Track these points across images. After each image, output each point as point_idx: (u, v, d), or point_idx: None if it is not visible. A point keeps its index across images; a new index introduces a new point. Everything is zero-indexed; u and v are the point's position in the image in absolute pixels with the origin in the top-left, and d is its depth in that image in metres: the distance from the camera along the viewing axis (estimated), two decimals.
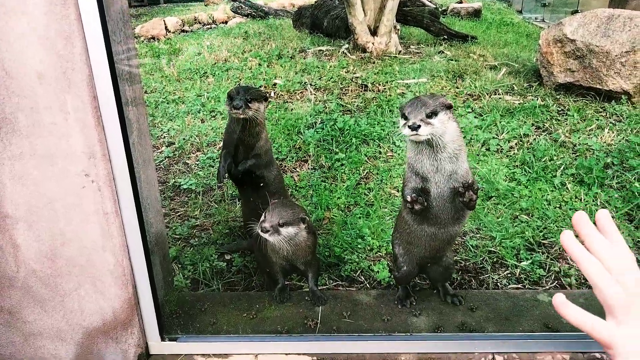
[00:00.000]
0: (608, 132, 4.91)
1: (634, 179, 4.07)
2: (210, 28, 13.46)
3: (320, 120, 5.34)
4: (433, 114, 2.08)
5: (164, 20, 12.98)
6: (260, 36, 9.73)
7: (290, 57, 7.91)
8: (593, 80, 5.80)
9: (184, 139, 5.16)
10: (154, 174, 2.47)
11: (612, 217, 3.67)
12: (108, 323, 2.29)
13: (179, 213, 4.06)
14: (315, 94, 6.28)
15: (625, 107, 5.49)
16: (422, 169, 2.23)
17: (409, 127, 2.05)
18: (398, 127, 2.22)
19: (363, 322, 2.56)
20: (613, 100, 5.67)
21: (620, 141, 4.74)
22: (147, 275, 2.24)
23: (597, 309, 1.06)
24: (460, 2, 13.49)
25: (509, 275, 3.21)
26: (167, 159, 4.88)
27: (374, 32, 8.19)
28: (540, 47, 6.34)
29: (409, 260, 2.61)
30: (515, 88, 6.28)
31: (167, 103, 6.23)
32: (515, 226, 3.60)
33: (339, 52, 8.11)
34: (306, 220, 2.58)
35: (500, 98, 5.92)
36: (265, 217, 2.50)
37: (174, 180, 4.48)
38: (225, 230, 3.79)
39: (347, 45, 8.35)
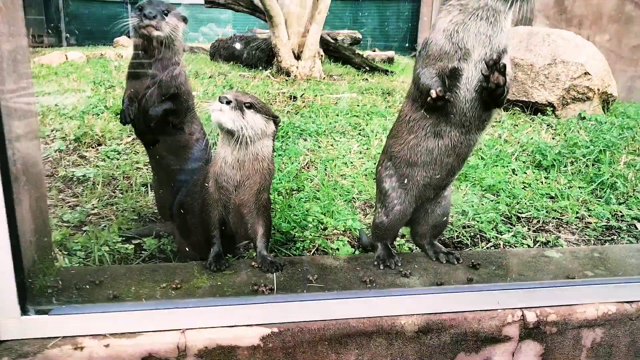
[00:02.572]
0: (545, 134, 4.85)
1: (584, 166, 3.92)
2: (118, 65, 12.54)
3: None
4: None
5: (65, 55, 11.85)
6: None
7: (209, 77, 7.32)
8: (520, 94, 5.87)
9: (83, 132, 4.23)
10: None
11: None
12: None
13: (70, 203, 3.11)
14: None
15: (552, 119, 5.55)
16: (473, 39, 1.71)
17: None
18: None
19: (338, 287, 1.85)
20: (539, 113, 5.73)
21: (558, 142, 4.67)
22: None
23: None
24: (374, 51, 14.02)
25: (492, 247, 2.70)
26: (57, 152, 3.89)
27: (297, 56, 7.93)
28: None
29: (404, 196, 1.99)
30: None
31: (63, 102, 5.25)
32: (485, 203, 3.17)
33: (262, 75, 7.69)
34: (278, 123, 1.92)
35: None
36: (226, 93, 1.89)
37: (64, 173, 3.51)
38: (133, 217, 2.91)
39: (270, 70, 7.98)
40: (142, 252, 2.51)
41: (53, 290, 1.71)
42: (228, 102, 1.85)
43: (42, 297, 1.63)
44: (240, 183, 1.99)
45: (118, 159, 3.83)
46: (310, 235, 2.67)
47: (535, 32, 6.04)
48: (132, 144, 4.11)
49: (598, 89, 5.74)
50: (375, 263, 2.03)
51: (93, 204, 3.09)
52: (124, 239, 2.60)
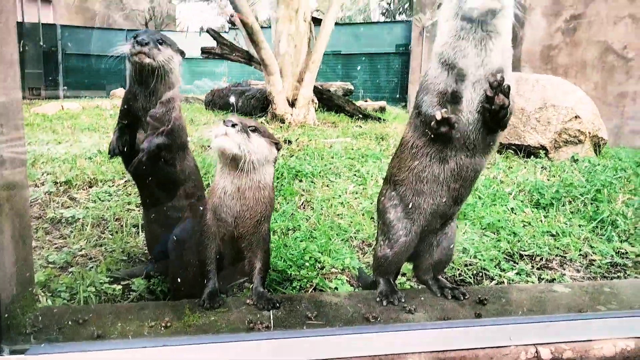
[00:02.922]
0: (540, 175, 4.86)
1: (582, 204, 3.89)
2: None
3: None
4: None
5: (61, 105, 11.98)
6: None
7: (204, 123, 7.38)
8: (512, 137, 5.93)
9: (75, 175, 4.16)
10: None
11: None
12: None
13: (57, 245, 2.99)
14: None
15: (545, 161, 5.57)
16: (464, 60, 1.70)
17: None
18: None
19: (339, 324, 1.74)
20: (532, 155, 5.77)
21: (553, 183, 4.66)
22: None
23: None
24: (366, 101, 14.33)
25: (497, 285, 2.60)
26: (47, 194, 3.80)
27: (292, 104, 8.05)
28: None
29: (410, 226, 1.91)
30: None
31: (55, 147, 5.21)
32: (486, 242, 3.09)
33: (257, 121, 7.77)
34: (280, 148, 1.87)
35: None
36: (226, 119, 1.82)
37: (53, 214, 3.41)
38: (122, 257, 2.80)
39: (265, 117, 8.07)
40: (131, 292, 2.38)
41: (32, 329, 1.58)
42: (233, 125, 1.79)
43: (19, 336, 1.51)
44: (241, 214, 1.91)
45: (109, 201, 3.74)
46: (308, 274, 2.56)
47: (525, 78, 6.20)
48: (125, 185, 4.04)
49: (589, 132, 5.81)
50: (378, 299, 1.93)
51: (81, 245, 2.97)
52: (111, 279, 2.47)
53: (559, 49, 8.28)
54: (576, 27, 8.15)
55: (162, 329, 1.64)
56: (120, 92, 16.25)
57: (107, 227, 3.26)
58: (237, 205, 1.88)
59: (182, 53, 2.29)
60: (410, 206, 1.90)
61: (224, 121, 1.80)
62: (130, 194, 3.85)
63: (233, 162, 1.84)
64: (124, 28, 18.68)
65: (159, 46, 2.12)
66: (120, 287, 2.39)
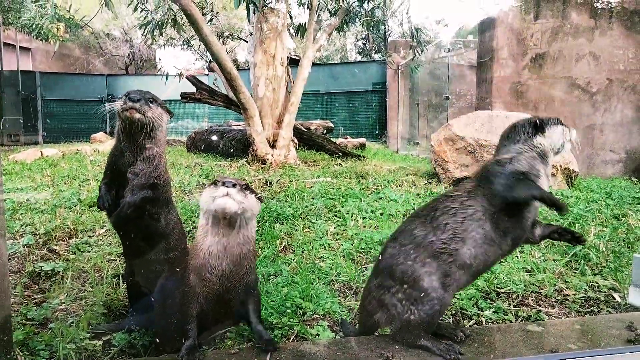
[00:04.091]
0: None
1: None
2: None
3: None
4: None
5: (41, 152, 11.91)
6: None
7: (186, 167, 7.42)
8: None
9: (54, 225, 4.13)
10: None
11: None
12: None
13: (36, 300, 2.96)
14: None
15: None
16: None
17: None
18: None
19: None
20: None
21: None
22: None
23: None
24: (346, 138, 14.58)
25: (475, 325, 2.66)
26: (26, 247, 3.77)
27: (272, 145, 8.18)
28: (433, 147, 6.71)
29: (445, 295, 1.96)
30: (417, 184, 6.38)
31: (34, 196, 5.18)
32: None
33: (238, 163, 7.85)
34: (262, 201, 1.94)
35: (406, 190, 5.91)
36: (220, 180, 1.88)
37: (32, 268, 3.38)
38: (103, 311, 2.78)
39: (246, 159, 8.17)
40: (112, 348, 2.37)
41: None
42: (234, 185, 1.87)
43: None
44: (227, 271, 1.95)
45: (89, 252, 3.73)
46: (289, 321, 2.58)
47: (495, 115, 6.46)
48: (105, 235, 4.03)
49: (560, 165, 6.04)
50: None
51: (61, 299, 2.95)
52: (92, 335, 2.46)
53: (527, 85, 8.65)
54: (542, 64, 8.56)
55: None
56: (100, 136, 16.25)
57: (88, 280, 3.24)
58: (223, 264, 1.93)
59: (170, 113, 2.39)
60: (449, 278, 2.00)
61: (223, 182, 1.87)
62: (110, 244, 3.85)
63: (228, 221, 1.90)
64: (104, 74, 18.85)
65: (150, 104, 2.22)
66: (100, 342, 2.38)
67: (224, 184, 1.86)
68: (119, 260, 3.52)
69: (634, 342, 1.96)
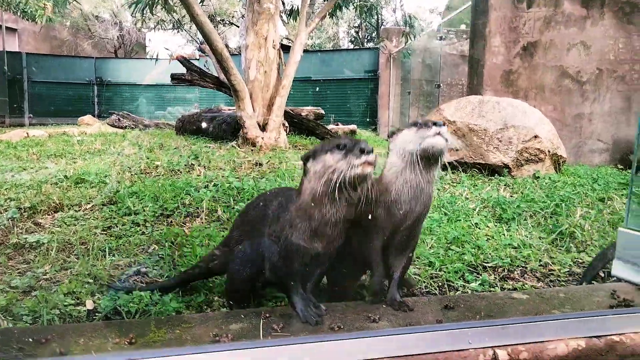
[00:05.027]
0: (504, 192, 5.03)
1: (543, 218, 4.06)
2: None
3: (212, 183, 4.71)
4: None
5: (26, 132, 11.75)
6: (138, 137, 9.12)
7: (175, 148, 7.35)
8: (476, 157, 6.15)
9: (40, 200, 4.08)
10: None
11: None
12: None
13: (20, 270, 2.93)
14: (205, 172, 5.67)
15: (508, 179, 5.78)
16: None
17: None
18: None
19: (304, 334, 1.77)
20: (496, 174, 5.98)
21: (515, 198, 4.84)
22: None
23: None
24: (337, 125, 14.57)
25: (458, 293, 2.68)
26: (10, 220, 3.71)
27: (263, 128, 8.13)
28: None
29: None
30: None
31: (19, 173, 5.10)
32: (451, 255, 3.19)
33: (227, 146, 7.79)
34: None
35: None
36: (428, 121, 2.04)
37: (16, 240, 3.34)
38: (88, 280, 2.75)
39: (235, 141, 8.11)
40: (97, 314, 2.35)
41: None
42: (443, 124, 2.00)
43: None
44: (414, 209, 2.07)
45: (75, 225, 3.69)
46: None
47: (486, 101, 6.47)
48: (92, 210, 3.99)
49: (549, 151, 6.08)
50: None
51: (45, 269, 2.91)
52: (78, 301, 2.44)
53: (518, 73, 8.68)
54: (533, 53, 8.58)
55: (127, 344, 1.64)
56: (88, 119, 16.03)
57: (73, 252, 3.21)
58: (412, 202, 2.04)
59: None
60: None
61: (434, 122, 1.99)
62: (97, 219, 3.81)
63: (427, 160, 2.02)
64: (93, 56, 18.57)
65: None
66: (85, 309, 2.36)
67: (435, 124, 1.99)
68: (106, 234, 3.49)
69: (616, 308, 1.99)
